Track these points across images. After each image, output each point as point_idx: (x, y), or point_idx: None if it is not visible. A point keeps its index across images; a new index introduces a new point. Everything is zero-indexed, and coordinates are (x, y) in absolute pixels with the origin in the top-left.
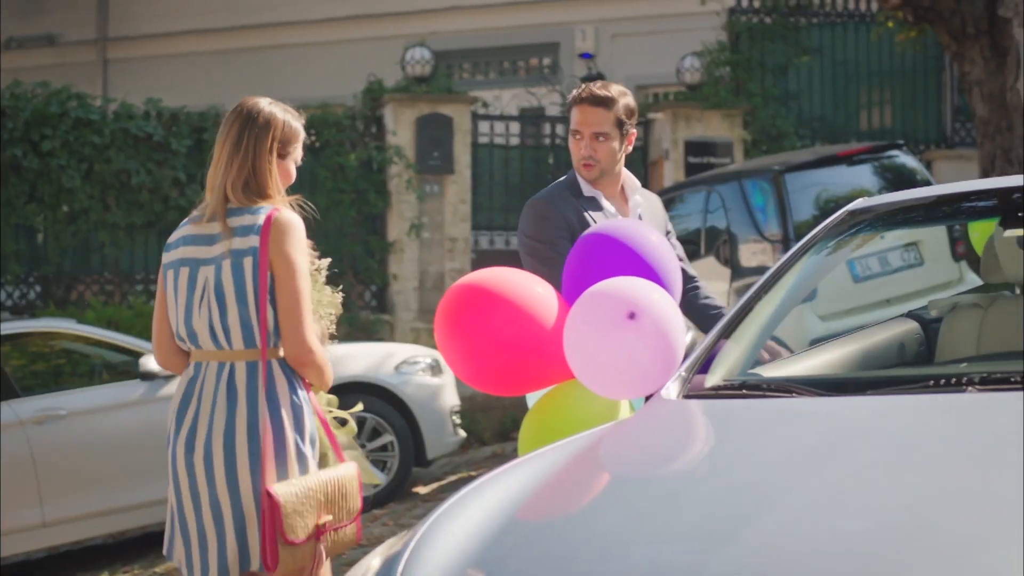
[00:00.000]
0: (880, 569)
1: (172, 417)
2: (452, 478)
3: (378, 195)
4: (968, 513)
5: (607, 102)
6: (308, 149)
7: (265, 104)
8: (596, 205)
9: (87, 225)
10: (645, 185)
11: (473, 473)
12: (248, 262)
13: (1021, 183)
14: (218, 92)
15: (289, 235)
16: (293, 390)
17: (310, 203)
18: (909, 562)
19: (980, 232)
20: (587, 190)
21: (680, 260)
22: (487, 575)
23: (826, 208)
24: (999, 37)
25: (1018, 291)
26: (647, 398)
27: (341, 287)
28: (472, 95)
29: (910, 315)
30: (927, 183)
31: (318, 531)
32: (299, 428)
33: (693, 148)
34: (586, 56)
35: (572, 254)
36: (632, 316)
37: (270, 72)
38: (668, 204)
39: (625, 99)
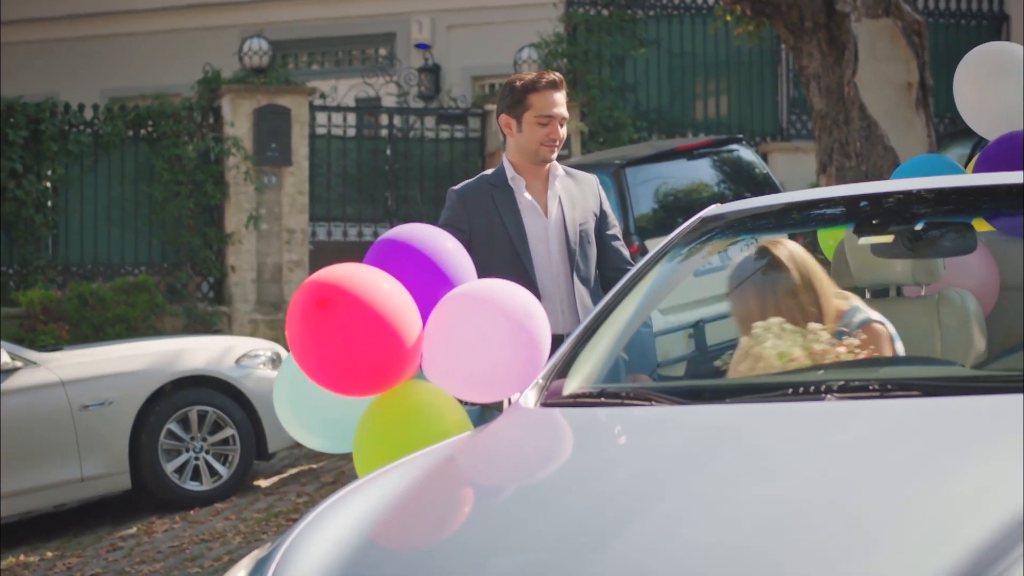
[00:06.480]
0: None
1: None
2: (293, 471)
3: (216, 186)
4: (830, 522)
5: (564, 86)
6: (145, 140)
7: None
8: (512, 195)
9: None
10: None
11: (314, 466)
12: None
13: (873, 191)
14: (54, 82)
15: None
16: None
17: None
18: (774, 571)
19: (832, 239)
20: (512, 178)
21: (615, 240)
22: None
23: (666, 202)
24: (837, 31)
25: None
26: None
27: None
28: (309, 86)
29: None
30: (766, 176)
31: None
32: None
33: None
34: (422, 46)
35: (368, 257)
36: (529, 316)
37: (107, 62)
38: None
39: None
